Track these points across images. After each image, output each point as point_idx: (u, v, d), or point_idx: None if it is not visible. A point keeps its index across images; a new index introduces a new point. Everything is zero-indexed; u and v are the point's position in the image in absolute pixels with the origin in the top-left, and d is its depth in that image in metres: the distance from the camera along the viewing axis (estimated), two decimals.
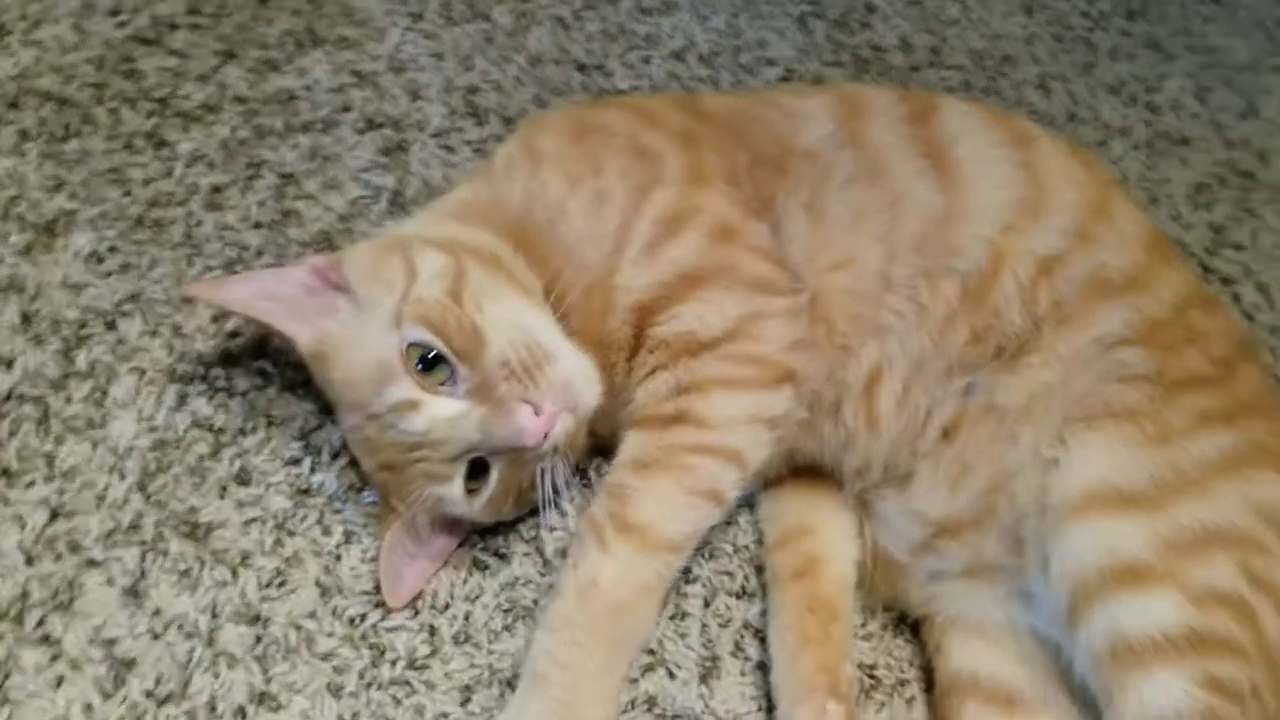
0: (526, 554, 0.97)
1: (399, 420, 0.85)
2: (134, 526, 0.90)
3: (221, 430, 0.97)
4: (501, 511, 0.93)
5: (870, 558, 1.01)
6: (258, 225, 1.12)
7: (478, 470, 0.88)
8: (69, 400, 0.96)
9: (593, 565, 0.86)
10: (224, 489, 0.94)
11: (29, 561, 0.87)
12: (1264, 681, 0.84)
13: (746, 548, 1.02)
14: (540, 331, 0.89)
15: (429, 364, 0.85)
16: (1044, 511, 0.92)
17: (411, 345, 0.85)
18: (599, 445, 0.97)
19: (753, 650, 0.97)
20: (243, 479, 0.95)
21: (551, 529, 0.98)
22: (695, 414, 0.90)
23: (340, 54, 1.31)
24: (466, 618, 0.92)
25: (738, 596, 1.00)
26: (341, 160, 1.19)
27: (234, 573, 0.90)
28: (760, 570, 1.01)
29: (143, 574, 0.88)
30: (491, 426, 0.84)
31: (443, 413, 0.85)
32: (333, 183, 1.17)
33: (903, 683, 0.97)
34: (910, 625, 1.02)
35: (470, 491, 0.89)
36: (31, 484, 0.90)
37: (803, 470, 1.03)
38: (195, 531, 0.91)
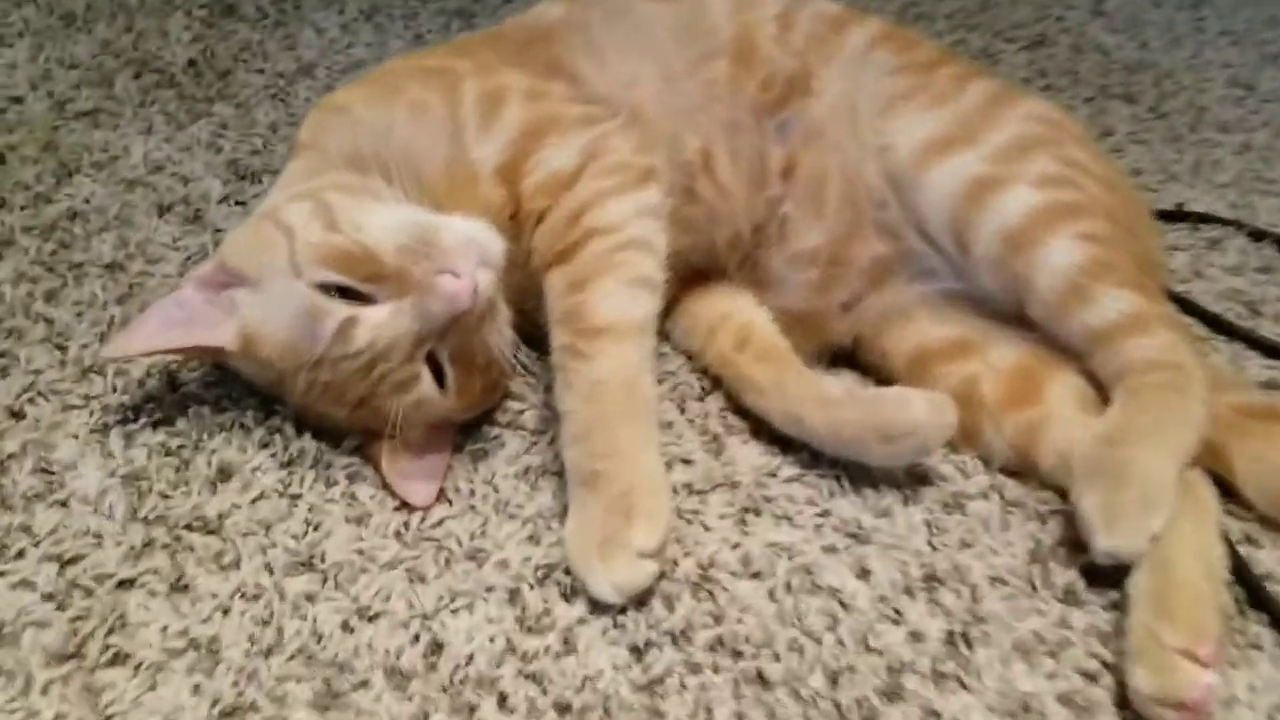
0: (512, 432, 1.02)
1: (346, 345, 0.87)
2: (148, 543, 0.86)
3: (181, 447, 0.95)
4: (474, 397, 0.97)
5: (783, 324, 1.12)
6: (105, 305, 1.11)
7: (436, 369, 0.93)
8: (15, 481, 0.91)
9: (585, 373, 0.92)
10: (214, 486, 0.92)
11: (61, 607, 0.81)
12: (1108, 227, 1.04)
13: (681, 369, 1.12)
14: (418, 215, 0.93)
15: (342, 295, 0.88)
16: (897, 183, 1.09)
17: (320, 284, 0.88)
18: (528, 334, 1.01)
19: (735, 421, 1.05)
20: (225, 474, 0.93)
21: (522, 404, 1.04)
22: (599, 226, 0.99)
23: (100, 173, 1.32)
24: (496, 491, 0.95)
25: (699, 400, 1.08)
26: (153, 240, 1.21)
27: (268, 536, 0.88)
28: (705, 374, 1.11)
29: (180, 574, 0.84)
30: (425, 305, 0.88)
31: (378, 318, 0.88)
32: (153, 257, 1.18)
33: None
34: (846, 361, 1.14)
35: (439, 389, 0.93)
36: (21, 553, 0.85)
37: (692, 282, 1.14)
38: (209, 524, 0.89)
